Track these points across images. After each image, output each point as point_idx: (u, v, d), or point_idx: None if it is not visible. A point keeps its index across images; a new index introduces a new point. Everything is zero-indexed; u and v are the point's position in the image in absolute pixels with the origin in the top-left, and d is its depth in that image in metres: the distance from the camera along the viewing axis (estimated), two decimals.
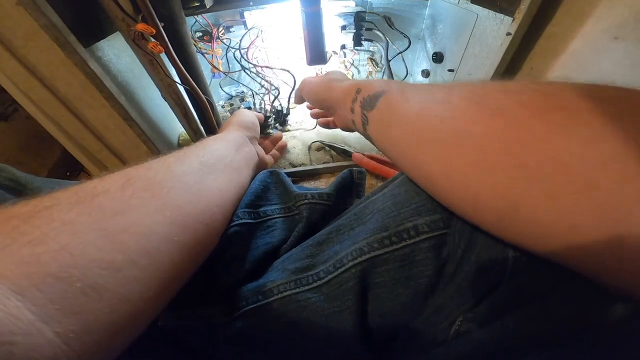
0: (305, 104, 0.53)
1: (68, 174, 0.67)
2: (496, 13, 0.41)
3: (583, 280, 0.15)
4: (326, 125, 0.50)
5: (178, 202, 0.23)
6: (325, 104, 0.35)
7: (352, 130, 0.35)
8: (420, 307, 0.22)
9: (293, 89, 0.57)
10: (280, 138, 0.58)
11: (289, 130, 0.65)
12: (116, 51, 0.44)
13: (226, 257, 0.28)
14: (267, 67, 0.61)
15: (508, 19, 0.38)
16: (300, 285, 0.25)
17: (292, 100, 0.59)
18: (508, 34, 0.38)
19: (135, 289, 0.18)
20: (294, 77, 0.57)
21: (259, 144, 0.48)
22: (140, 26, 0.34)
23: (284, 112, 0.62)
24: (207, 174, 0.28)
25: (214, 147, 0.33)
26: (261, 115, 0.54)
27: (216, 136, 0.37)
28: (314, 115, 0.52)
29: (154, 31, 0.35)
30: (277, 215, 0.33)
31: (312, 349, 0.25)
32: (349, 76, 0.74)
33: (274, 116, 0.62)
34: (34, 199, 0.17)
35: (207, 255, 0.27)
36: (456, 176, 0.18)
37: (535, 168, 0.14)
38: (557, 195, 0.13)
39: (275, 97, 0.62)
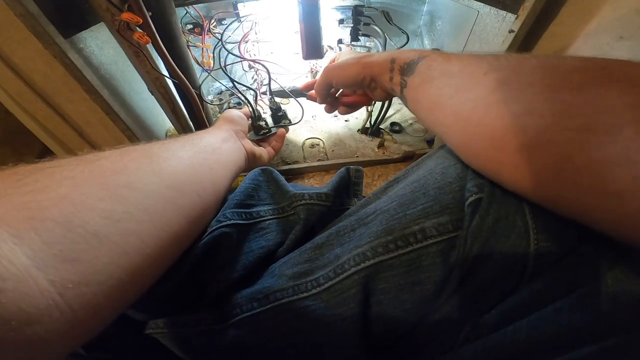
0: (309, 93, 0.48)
1: None
2: (498, 10, 0.40)
3: (595, 285, 0.15)
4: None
5: (173, 169, 0.24)
6: (365, 82, 0.35)
7: (385, 99, 0.37)
8: (425, 313, 0.21)
9: (269, 82, 0.52)
10: (284, 134, 0.54)
11: (285, 125, 0.57)
12: (99, 42, 0.41)
13: (216, 262, 0.27)
14: (254, 60, 0.56)
15: (511, 16, 0.37)
16: (299, 292, 0.24)
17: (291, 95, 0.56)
18: (511, 31, 0.37)
19: (134, 242, 0.18)
20: (269, 73, 0.52)
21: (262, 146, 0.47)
22: (126, 15, 0.32)
23: (276, 107, 0.56)
24: (198, 153, 0.29)
25: (202, 135, 0.34)
26: (247, 111, 0.50)
27: (203, 130, 0.38)
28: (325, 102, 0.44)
29: (141, 20, 0.33)
30: (271, 217, 0.31)
31: (310, 358, 0.24)
32: None
33: (268, 113, 0.56)
34: (38, 162, 0.18)
35: (203, 229, 0.26)
36: (501, 120, 0.18)
37: (601, 129, 0.14)
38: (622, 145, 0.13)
39: (256, 95, 0.56)
